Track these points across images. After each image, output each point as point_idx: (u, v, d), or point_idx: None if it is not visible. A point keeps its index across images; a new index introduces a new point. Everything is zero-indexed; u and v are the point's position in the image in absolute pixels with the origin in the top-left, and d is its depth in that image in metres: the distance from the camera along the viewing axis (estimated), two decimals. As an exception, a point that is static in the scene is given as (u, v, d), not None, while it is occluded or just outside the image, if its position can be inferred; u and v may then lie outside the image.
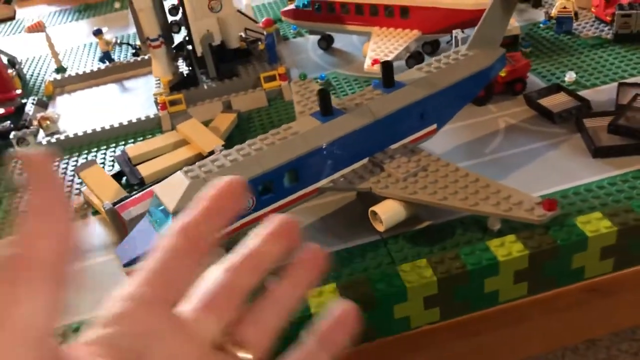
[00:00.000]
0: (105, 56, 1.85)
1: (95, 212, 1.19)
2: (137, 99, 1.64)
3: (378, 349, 0.88)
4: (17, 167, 1.41)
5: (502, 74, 1.25)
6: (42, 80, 1.86)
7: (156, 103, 1.48)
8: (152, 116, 1.47)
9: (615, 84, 1.26)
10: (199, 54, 1.47)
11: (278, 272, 0.39)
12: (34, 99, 1.67)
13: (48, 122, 1.51)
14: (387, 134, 1.02)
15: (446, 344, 0.91)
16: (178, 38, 1.61)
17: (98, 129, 1.47)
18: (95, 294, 1.04)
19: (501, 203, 0.87)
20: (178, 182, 0.88)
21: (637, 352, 1.40)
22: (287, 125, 0.98)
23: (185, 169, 0.90)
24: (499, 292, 0.88)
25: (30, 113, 1.59)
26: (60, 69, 1.89)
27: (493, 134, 1.20)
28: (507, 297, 0.89)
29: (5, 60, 1.82)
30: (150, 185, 1.11)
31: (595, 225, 0.87)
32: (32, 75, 1.92)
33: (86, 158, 1.40)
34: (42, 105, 1.68)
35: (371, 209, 0.94)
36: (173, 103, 1.45)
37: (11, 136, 1.44)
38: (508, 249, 0.86)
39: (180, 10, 1.49)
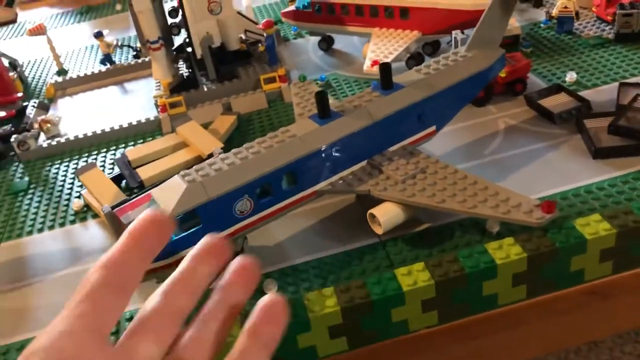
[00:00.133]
0: (106, 58, 1.85)
1: (95, 215, 1.19)
2: (138, 101, 1.64)
3: (376, 352, 0.87)
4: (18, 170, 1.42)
5: (503, 74, 1.24)
6: (44, 82, 1.87)
7: (156, 105, 1.48)
8: (152, 118, 1.47)
9: (616, 84, 1.25)
10: (198, 56, 1.47)
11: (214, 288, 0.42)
12: (35, 102, 1.68)
13: (49, 125, 1.51)
14: (385, 136, 1.02)
15: (444, 348, 0.91)
16: (178, 40, 1.61)
17: (98, 132, 1.47)
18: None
19: (500, 205, 0.87)
20: (175, 186, 0.88)
21: (640, 354, 1.40)
22: (285, 128, 0.98)
23: (182, 172, 0.90)
24: (497, 295, 0.87)
25: (32, 116, 1.59)
26: (62, 72, 1.89)
27: (493, 135, 1.19)
28: (506, 300, 0.88)
29: (6, 63, 1.83)
30: (150, 189, 1.11)
31: (594, 227, 0.87)
32: (33, 77, 1.93)
33: (86, 161, 1.40)
34: (44, 107, 1.68)
35: (370, 211, 0.94)
36: (173, 105, 1.45)
37: (12, 139, 1.45)
38: (506, 251, 0.85)
39: (180, 13, 1.49)
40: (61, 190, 1.30)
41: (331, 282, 0.89)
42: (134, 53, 1.88)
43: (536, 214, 0.85)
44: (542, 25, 1.58)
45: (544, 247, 0.85)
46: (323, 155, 0.96)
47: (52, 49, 1.88)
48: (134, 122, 1.48)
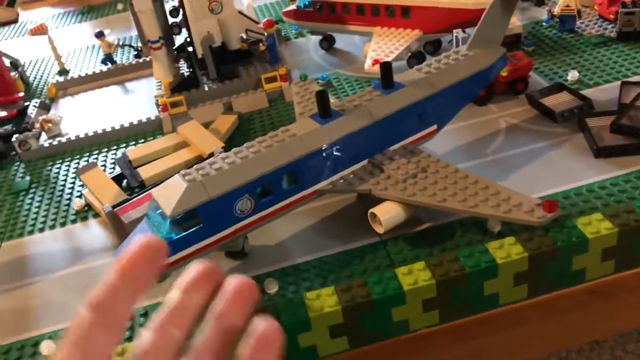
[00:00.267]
0: (108, 58, 1.85)
1: (96, 215, 1.19)
2: (139, 100, 1.64)
3: (377, 352, 0.87)
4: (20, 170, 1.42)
5: (504, 73, 1.24)
6: (45, 82, 1.87)
7: (157, 105, 1.48)
8: (153, 118, 1.47)
9: (618, 83, 1.24)
10: (199, 56, 1.47)
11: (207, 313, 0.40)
12: (36, 102, 1.68)
13: (50, 125, 1.51)
14: (386, 135, 1.01)
15: (445, 347, 0.90)
16: (179, 40, 1.61)
17: (99, 131, 1.47)
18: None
19: (501, 205, 0.86)
20: (175, 186, 0.88)
21: (642, 353, 1.39)
22: (285, 128, 0.98)
23: (182, 172, 0.90)
24: (498, 295, 0.87)
25: (33, 116, 1.60)
26: (63, 72, 1.90)
27: (494, 134, 1.19)
28: (507, 299, 0.88)
29: (8, 62, 1.83)
30: (150, 188, 1.11)
31: (595, 226, 0.86)
32: (34, 77, 1.93)
33: (87, 160, 1.40)
34: (45, 107, 1.68)
35: (370, 210, 0.94)
36: (174, 105, 1.45)
37: (13, 139, 1.45)
38: (507, 251, 0.85)
39: (181, 12, 1.49)
40: (62, 190, 1.30)
41: (332, 281, 0.89)
42: (135, 53, 1.88)
43: (537, 213, 0.84)
44: (543, 24, 1.58)
45: (545, 246, 0.85)
46: (324, 154, 0.96)
47: (54, 48, 1.88)
48: (135, 122, 1.47)
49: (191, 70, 1.52)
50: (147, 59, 1.75)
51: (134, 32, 2.08)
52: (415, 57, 1.46)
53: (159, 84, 1.55)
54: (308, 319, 0.82)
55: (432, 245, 0.93)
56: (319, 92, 0.98)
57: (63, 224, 1.19)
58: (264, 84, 1.48)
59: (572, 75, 1.31)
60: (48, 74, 1.93)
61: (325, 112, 0.99)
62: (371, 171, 0.99)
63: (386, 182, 0.96)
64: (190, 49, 1.49)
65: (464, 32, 1.30)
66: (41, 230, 1.19)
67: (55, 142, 1.46)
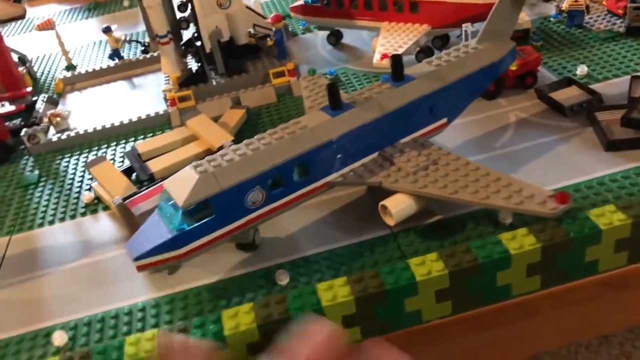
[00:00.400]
0: (115, 54, 1.86)
1: (106, 208, 1.19)
2: (147, 95, 1.65)
3: (390, 342, 0.87)
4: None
5: (513, 67, 1.24)
6: (53, 77, 1.87)
7: (165, 99, 1.48)
8: (161, 112, 1.47)
9: (627, 77, 1.24)
10: (207, 50, 1.47)
11: None
12: (44, 97, 1.68)
13: (58, 119, 1.51)
14: (396, 127, 1.01)
15: (457, 338, 0.90)
16: (187, 35, 1.61)
17: (108, 126, 1.47)
18: (105, 289, 1.04)
19: (513, 196, 0.86)
20: (187, 177, 0.88)
21: (651, 349, 1.38)
22: (296, 120, 0.98)
23: (194, 163, 0.90)
24: (511, 286, 0.87)
25: (41, 110, 1.60)
26: (70, 67, 1.90)
27: (503, 128, 1.19)
28: (520, 290, 0.88)
29: (15, 58, 1.83)
30: (160, 181, 1.11)
31: (608, 217, 0.86)
32: (42, 73, 1.93)
33: (96, 154, 1.40)
34: (53, 102, 1.68)
35: (381, 203, 0.94)
36: (182, 99, 1.45)
37: (22, 133, 1.45)
38: (520, 242, 0.85)
39: (189, 7, 1.49)
40: (71, 183, 1.30)
41: (343, 272, 0.89)
42: (142, 48, 1.88)
43: (550, 205, 0.84)
44: (552, 19, 1.57)
45: (558, 237, 0.85)
46: (334, 146, 0.96)
47: (61, 44, 1.88)
48: (143, 116, 1.48)
49: (199, 64, 1.52)
50: (155, 54, 1.76)
51: (141, 29, 2.09)
52: (424, 52, 1.45)
53: (167, 78, 1.55)
54: (321, 309, 0.82)
55: (443, 238, 0.93)
56: (329, 84, 0.98)
57: (73, 217, 1.19)
58: (272, 79, 1.48)
59: (581, 69, 1.31)
60: (55, 70, 1.93)
61: (336, 105, 0.99)
62: (381, 164, 0.99)
63: (397, 175, 0.96)
64: (198, 43, 1.49)
65: (472, 26, 1.30)
66: (51, 222, 1.19)
67: (64, 136, 1.46)
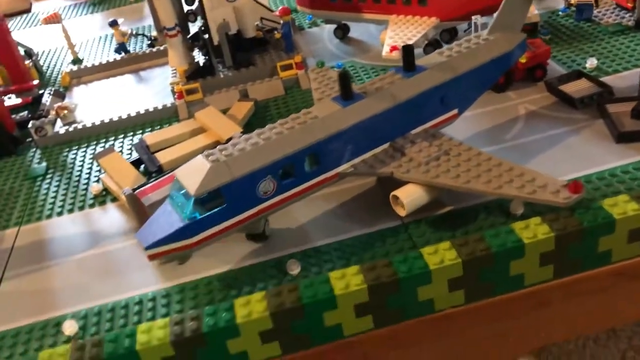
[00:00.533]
0: (121, 47, 1.85)
1: (114, 199, 1.19)
2: (153, 89, 1.64)
3: (400, 333, 0.87)
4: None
5: (523, 59, 1.23)
6: (59, 71, 1.87)
7: (173, 92, 1.48)
8: (168, 105, 1.47)
9: (637, 70, 1.24)
10: (215, 43, 1.47)
11: None
12: (50, 90, 1.68)
13: (65, 112, 1.51)
14: (408, 118, 1.01)
15: (468, 330, 0.90)
16: (194, 28, 1.61)
17: (115, 118, 1.47)
18: (114, 279, 1.04)
19: (525, 186, 0.86)
20: (199, 166, 0.88)
21: (658, 343, 1.38)
22: (307, 110, 0.97)
23: (206, 152, 0.90)
24: (524, 275, 0.87)
25: (48, 103, 1.60)
26: (77, 60, 1.90)
27: (513, 120, 1.19)
28: (533, 280, 0.88)
29: (22, 51, 1.83)
30: (169, 172, 1.11)
31: (622, 207, 0.86)
32: (48, 66, 1.93)
33: (104, 146, 1.40)
34: (59, 95, 1.68)
35: (392, 193, 0.93)
36: (190, 92, 1.45)
37: (29, 125, 1.45)
38: (533, 231, 0.85)
39: (197, 0, 1.49)
40: (79, 175, 1.30)
41: (354, 262, 0.89)
42: (149, 42, 1.88)
43: (563, 194, 0.84)
44: (560, 13, 1.57)
45: (571, 226, 0.84)
46: (345, 136, 0.95)
47: (67, 37, 1.88)
48: (151, 109, 1.47)
49: (207, 57, 1.52)
50: (161, 48, 1.75)
51: (146, 23, 2.09)
52: (432, 45, 1.45)
53: (174, 71, 1.54)
54: (334, 297, 0.82)
55: (455, 228, 0.92)
56: (341, 73, 0.98)
57: (81, 208, 1.19)
58: (279, 72, 1.48)
59: (591, 62, 1.30)
60: (62, 63, 1.93)
61: (347, 95, 0.98)
62: (393, 154, 0.99)
63: (408, 165, 0.96)
64: (205, 36, 1.49)
65: (481, 18, 1.29)
66: (59, 214, 1.19)
67: (71, 129, 1.46)
